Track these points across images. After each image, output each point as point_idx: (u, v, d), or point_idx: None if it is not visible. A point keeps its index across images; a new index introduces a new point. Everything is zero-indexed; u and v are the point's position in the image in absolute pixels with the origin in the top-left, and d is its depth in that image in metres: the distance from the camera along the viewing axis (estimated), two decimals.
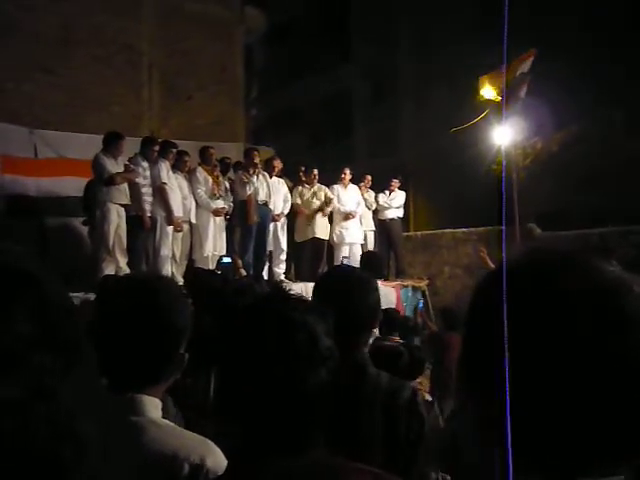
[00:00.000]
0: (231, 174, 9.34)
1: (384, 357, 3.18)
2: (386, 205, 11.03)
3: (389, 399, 2.03)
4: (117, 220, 7.64)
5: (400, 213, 11.27)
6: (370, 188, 11.06)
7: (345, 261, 9.51)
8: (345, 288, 2.13)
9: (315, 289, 2.24)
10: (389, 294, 9.04)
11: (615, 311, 0.69)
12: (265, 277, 8.82)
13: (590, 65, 13.70)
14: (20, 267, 0.50)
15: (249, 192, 8.65)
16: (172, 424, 1.65)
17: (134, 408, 1.55)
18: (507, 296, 0.67)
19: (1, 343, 0.45)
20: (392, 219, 11.10)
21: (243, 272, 6.48)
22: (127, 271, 7.43)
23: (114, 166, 7.65)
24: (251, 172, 8.75)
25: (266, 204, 8.89)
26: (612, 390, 0.66)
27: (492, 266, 7.90)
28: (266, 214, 8.90)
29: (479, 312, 0.78)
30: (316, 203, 9.78)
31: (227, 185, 8.94)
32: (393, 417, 2.00)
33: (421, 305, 9.47)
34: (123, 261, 7.67)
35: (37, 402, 0.46)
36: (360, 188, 10.66)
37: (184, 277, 6.54)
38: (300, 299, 1.41)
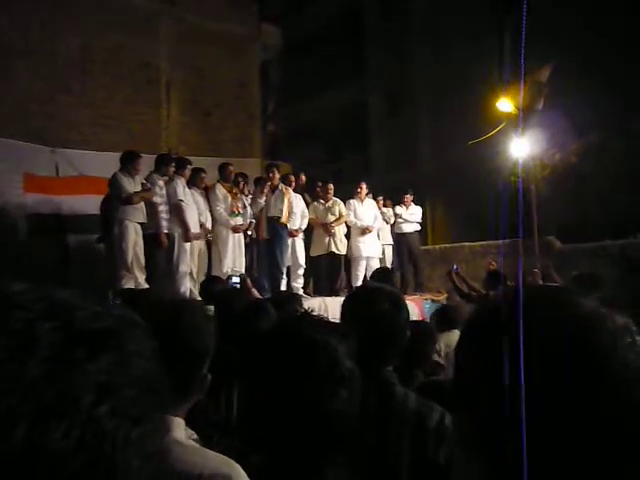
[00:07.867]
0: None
1: None
2: (406, 219, 10.98)
3: (418, 421, 1.97)
4: (135, 237, 7.69)
5: (418, 227, 11.24)
6: (389, 201, 11.10)
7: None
8: (376, 305, 2.08)
9: (344, 305, 2.20)
10: (412, 308, 9.01)
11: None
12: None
13: (608, 74, 13.63)
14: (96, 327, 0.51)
15: (259, 208, 8.86)
16: (195, 444, 1.66)
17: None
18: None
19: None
20: (410, 233, 11.07)
21: (255, 292, 6.44)
22: (146, 287, 7.51)
23: (131, 185, 7.71)
24: (264, 189, 8.82)
25: (279, 219, 8.95)
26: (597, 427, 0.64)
27: (462, 288, 7.90)
28: (283, 230, 8.95)
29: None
30: (331, 218, 9.76)
31: (245, 201, 8.99)
32: (421, 440, 1.94)
33: None
34: (142, 277, 7.72)
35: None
36: (377, 202, 10.65)
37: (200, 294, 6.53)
38: (323, 320, 1.42)
